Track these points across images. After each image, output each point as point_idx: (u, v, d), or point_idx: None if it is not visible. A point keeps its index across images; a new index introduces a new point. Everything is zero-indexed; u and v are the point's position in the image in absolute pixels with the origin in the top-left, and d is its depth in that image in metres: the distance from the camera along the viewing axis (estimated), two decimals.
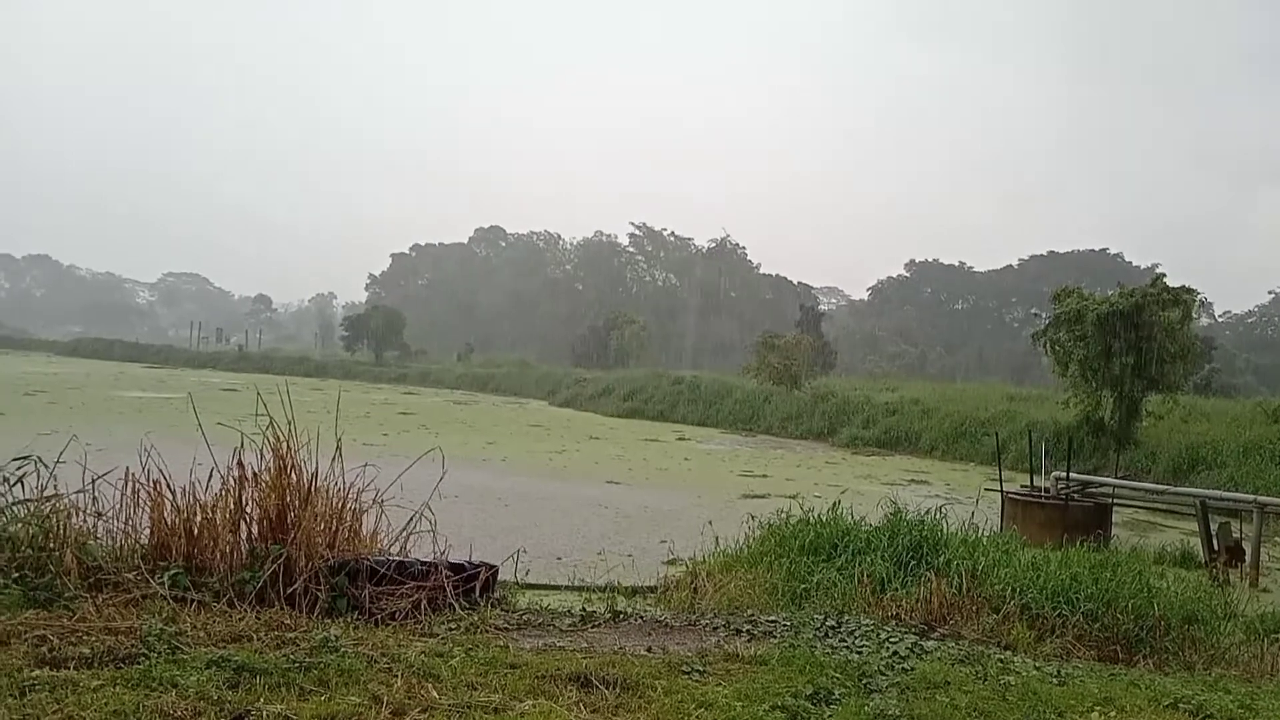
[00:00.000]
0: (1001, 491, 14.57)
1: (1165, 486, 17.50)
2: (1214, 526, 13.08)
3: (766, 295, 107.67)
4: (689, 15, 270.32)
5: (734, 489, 19.46)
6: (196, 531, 6.55)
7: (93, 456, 6.83)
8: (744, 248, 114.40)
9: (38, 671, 4.47)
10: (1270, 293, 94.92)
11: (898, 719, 4.97)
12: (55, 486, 6.62)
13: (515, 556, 8.35)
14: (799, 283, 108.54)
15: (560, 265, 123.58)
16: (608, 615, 7.30)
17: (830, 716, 4.95)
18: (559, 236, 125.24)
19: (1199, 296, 27.62)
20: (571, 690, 4.98)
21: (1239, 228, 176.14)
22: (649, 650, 6.20)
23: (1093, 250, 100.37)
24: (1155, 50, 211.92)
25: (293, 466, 6.82)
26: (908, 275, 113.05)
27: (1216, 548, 12.79)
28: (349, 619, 6.17)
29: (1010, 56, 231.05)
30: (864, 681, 5.63)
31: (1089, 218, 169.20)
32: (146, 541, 6.57)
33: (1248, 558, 12.64)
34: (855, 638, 6.84)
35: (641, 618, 7.39)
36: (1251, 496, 14.05)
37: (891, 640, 6.81)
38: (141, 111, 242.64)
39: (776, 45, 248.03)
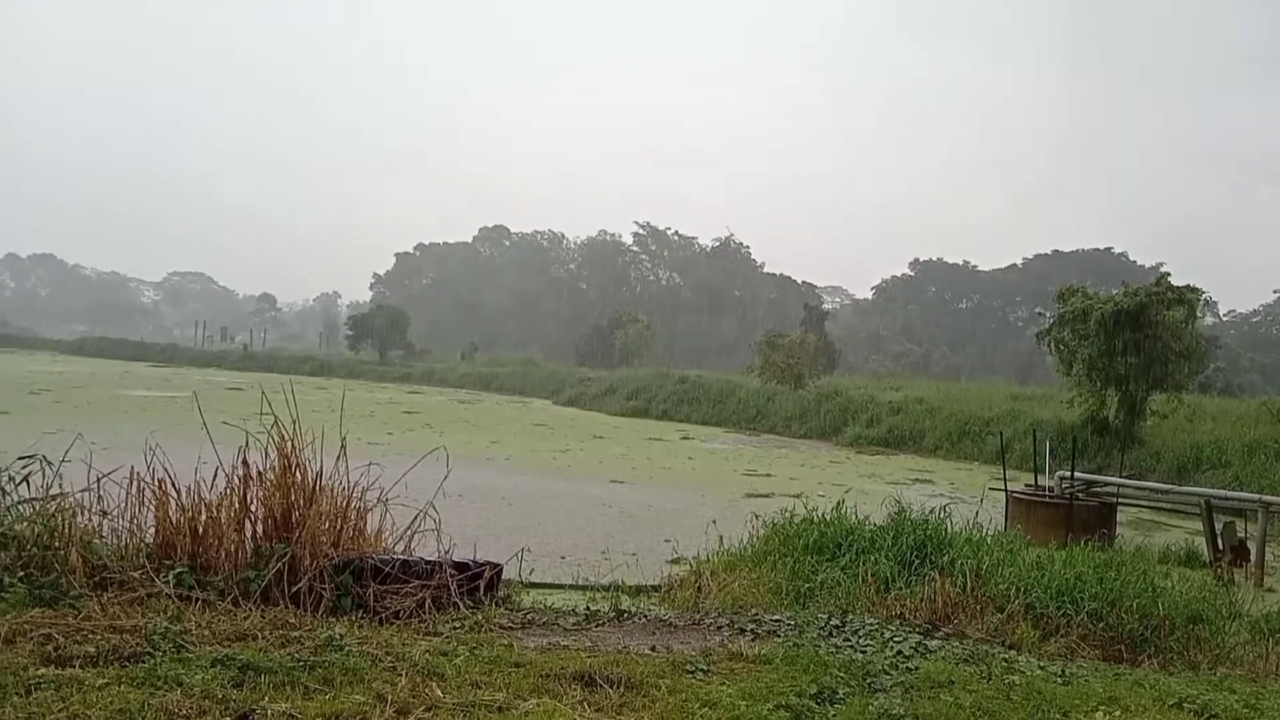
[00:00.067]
0: (1006, 491, 14.56)
1: (1170, 486, 17.45)
2: (1219, 526, 13.06)
3: (770, 294, 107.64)
4: (689, 15, 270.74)
5: (738, 488, 19.44)
6: (201, 530, 6.56)
7: (98, 455, 6.84)
8: (748, 247, 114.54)
9: (43, 670, 4.48)
10: (1275, 292, 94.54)
11: (902, 718, 4.97)
12: (60, 485, 6.64)
13: (519, 555, 8.36)
14: (803, 282, 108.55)
15: (564, 264, 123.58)
16: (612, 614, 7.31)
17: (834, 716, 4.94)
18: (563, 236, 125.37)
19: (1203, 295, 27.51)
20: (576, 689, 4.99)
21: (1244, 227, 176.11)
22: (653, 649, 6.20)
23: (1097, 249, 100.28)
24: (1157, 50, 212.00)
25: (297, 465, 6.84)
26: (912, 274, 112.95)
27: (1221, 547, 12.77)
28: (354, 618, 6.18)
29: (1011, 56, 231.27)
30: (868, 681, 5.63)
31: (1094, 217, 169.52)
32: (151, 540, 6.58)
33: (1252, 557, 12.62)
34: (859, 637, 6.83)
35: (645, 617, 7.40)
36: (1256, 496, 14.01)
37: (896, 639, 6.81)
38: (141, 111, 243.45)
39: (776, 45, 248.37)
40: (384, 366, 74.56)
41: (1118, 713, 5.38)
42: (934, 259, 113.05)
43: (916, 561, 8.51)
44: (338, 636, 5.39)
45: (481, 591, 7.13)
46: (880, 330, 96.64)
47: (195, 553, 6.47)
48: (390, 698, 4.53)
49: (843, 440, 34.62)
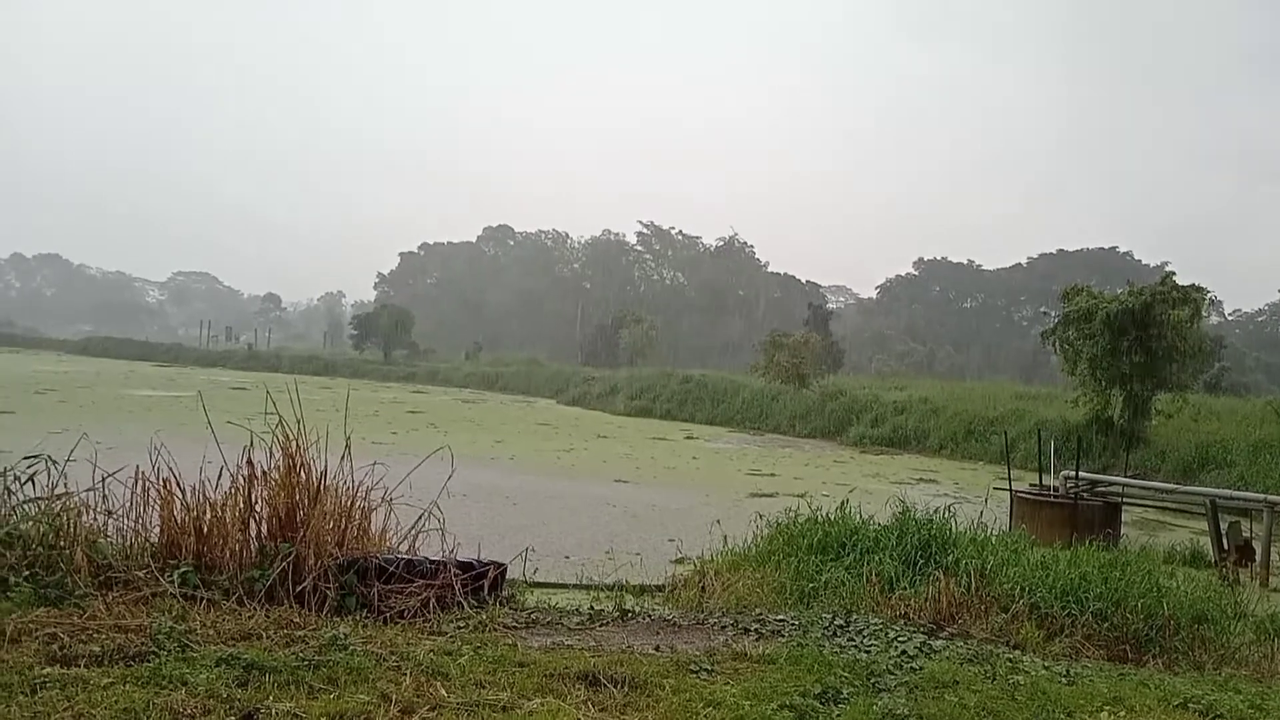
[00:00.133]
0: (1010, 490, 14.54)
1: (1175, 485, 17.41)
2: (1224, 526, 13.02)
3: (775, 294, 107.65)
4: (689, 15, 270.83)
5: (742, 488, 19.44)
6: (206, 530, 6.57)
7: (103, 455, 6.86)
8: (752, 246, 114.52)
9: (49, 669, 4.49)
10: None
11: (906, 718, 4.96)
12: (66, 485, 6.65)
13: (523, 555, 8.37)
14: (807, 281, 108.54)
15: (568, 264, 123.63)
16: (615, 614, 7.31)
17: (838, 715, 4.94)
18: (567, 235, 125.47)
19: (1208, 295, 27.48)
20: (579, 688, 4.99)
21: (1249, 226, 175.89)
22: (657, 649, 6.20)
23: (1102, 248, 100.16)
24: (1159, 49, 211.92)
25: (302, 465, 6.85)
26: (916, 273, 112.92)
27: (1226, 547, 12.74)
28: (358, 617, 6.19)
29: (1011, 56, 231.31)
30: (872, 680, 5.62)
31: (1098, 216, 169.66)
32: (156, 540, 6.59)
33: (1258, 557, 12.59)
34: (863, 637, 6.83)
35: (649, 616, 7.40)
36: (1262, 496, 13.98)
37: (900, 639, 6.80)
38: (141, 111, 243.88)
39: (776, 45, 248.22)
40: (388, 366, 74.65)
41: (1122, 713, 5.37)
42: (938, 258, 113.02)
43: (921, 561, 8.50)
44: (342, 636, 5.39)
45: (486, 591, 7.13)
46: (884, 330, 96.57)
47: (200, 552, 6.48)
48: (395, 697, 4.53)
49: (847, 440, 34.62)
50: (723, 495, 17.89)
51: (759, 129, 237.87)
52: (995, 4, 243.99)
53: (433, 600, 6.66)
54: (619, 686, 5.06)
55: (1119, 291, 27.47)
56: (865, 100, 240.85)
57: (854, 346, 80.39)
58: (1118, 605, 7.80)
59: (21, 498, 6.49)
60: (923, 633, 7.16)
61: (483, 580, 7.15)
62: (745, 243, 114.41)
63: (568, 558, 10.98)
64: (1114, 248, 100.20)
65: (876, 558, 8.53)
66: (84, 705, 4.07)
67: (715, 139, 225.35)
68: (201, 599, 5.99)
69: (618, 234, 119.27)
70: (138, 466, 6.80)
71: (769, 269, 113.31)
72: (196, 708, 4.16)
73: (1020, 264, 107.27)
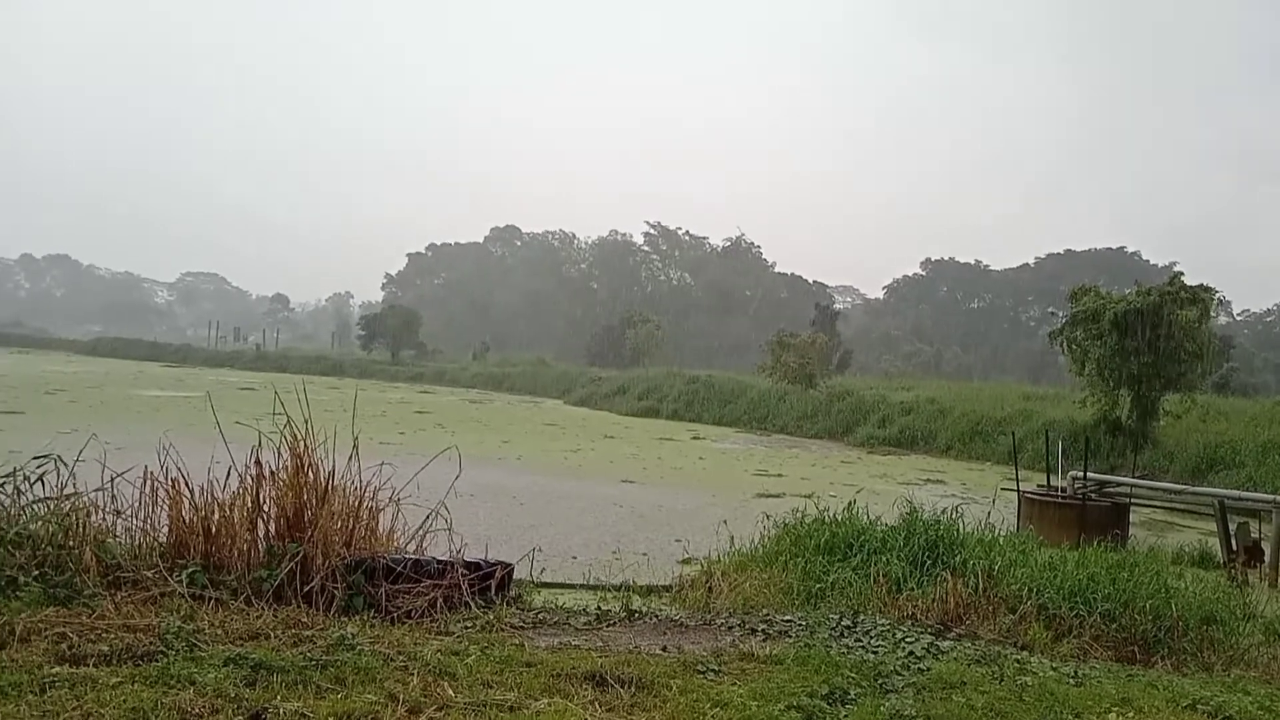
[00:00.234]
0: (1018, 491, 14.51)
1: (1183, 486, 17.36)
2: (1232, 526, 12.98)
3: (781, 294, 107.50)
4: (689, 15, 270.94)
5: (749, 488, 19.42)
6: (214, 530, 6.59)
7: (112, 455, 6.88)
8: (758, 246, 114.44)
9: (58, 668, 4.51)
10: None
11: (914, 719, 4.96)
12: (75, 485, 6.68)
13: (531, 555, 8.38)
14: (814, 281, 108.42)
15: (575, 264, 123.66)
16: (623, 614, 7.31)
17: (846, 716, 4.94)
18: (574, 236, 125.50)
19: (1217, 295, 27.40)
20: (587, 689, 4.99)
21: (1256, 226, 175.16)
22: (664, 649, 6.21)
23: (1110, 248, 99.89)
24: (1164, 49, 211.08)
25: (310, 465, 6.86)
26: (923, 274, 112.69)
27: (1235, 548, 12.70)
28: (365, 617, 6.20)
29: (1013, 55, 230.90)
30: (880, 681, 5.62)
31: (1105, 216, 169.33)
32: (165, 539, 6.62)
33: (1267, 558, 12.53)
34: (871, 637, 6.82)
35: (656, 617, 7.40)
36: (1270, 496, 13.91)
37: (907, 640, 6.80)
38: (141, 111, 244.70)
39: (776, 45, 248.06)
40: (396, 366, 74.72)
41: (1131, 714, 5.36)
42: (946, 258, 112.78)
43: (928, 562, 8.48)
44: (350, 636, 5.41)
45: (493, 591, 7.14)
46: (892, 330, 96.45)
47: (208, 552, 6.50)
48: (402, 697, 4.54)
49: (854, 440, 34.56)
50: (730, 496, 17.88)
51: (759, 129, 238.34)
52: (996, 3, 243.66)
53: (440, 600, 6.68)
54: (626, 687, 5.06)
55: (1127, 292, 27.42)
56: (865, 100, 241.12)
57: (861, 347, 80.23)
58: (1126, 606, 7.77)
59: (31, 497, 6.51)
60: (930, 634, 7.15)
61: (490, 580, 7.16)
62: (752, 243, 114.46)
63: (575, 558, 10.98)
64: (1121, 248, 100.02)
65: (884, 558, 8.52)
66: (92, 704, 4.08)
67: (715, 139, 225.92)
68: (209, 599, 6.01)
69: (624, 234, 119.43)
70: (146, 467, 6.82)
71: (776, 269, 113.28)
72: (204, 707, 4.18)
73: (1027, 264, 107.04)
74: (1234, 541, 12.76)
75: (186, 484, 6.74)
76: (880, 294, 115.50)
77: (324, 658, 4.99)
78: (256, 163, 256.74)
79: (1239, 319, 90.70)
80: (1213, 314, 28.07)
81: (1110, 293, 28.22)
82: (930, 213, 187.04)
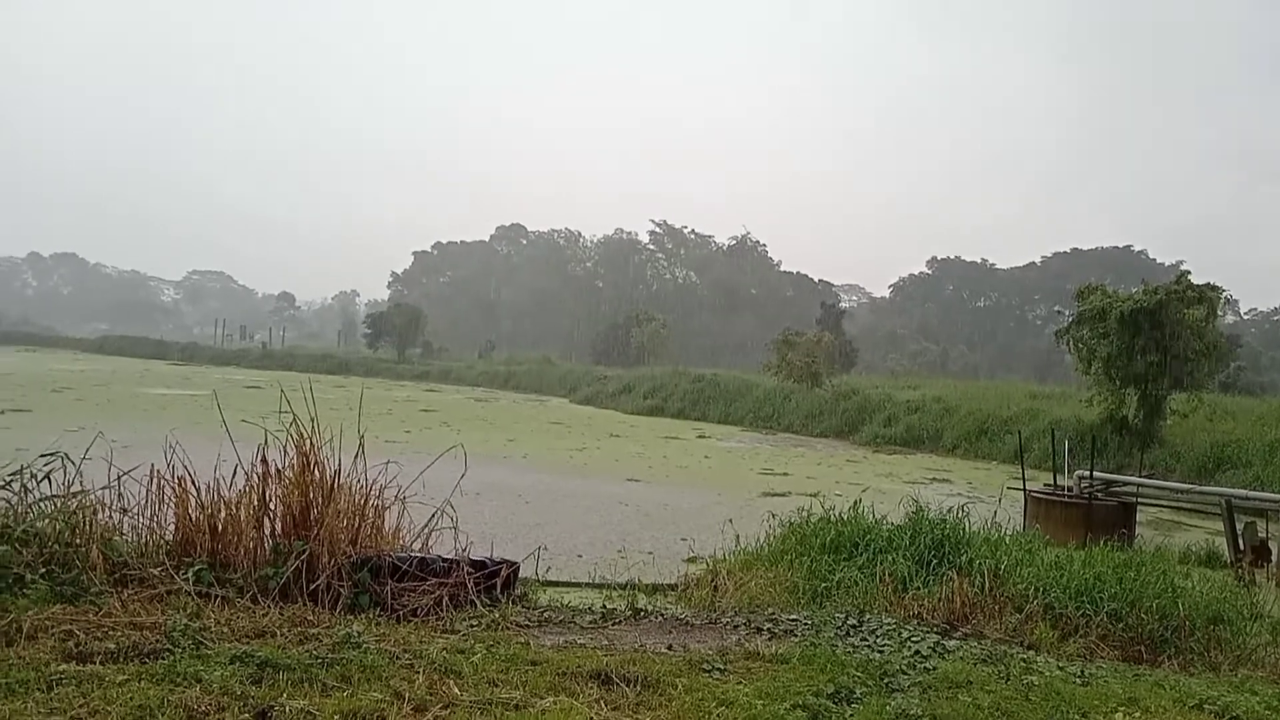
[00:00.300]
0: (1024, 490, 14.49)
1: (1190, 485, 17.31)
2: (1239, 526, 12.94)
3: (787, 292, 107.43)
4: (689, 15, 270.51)
5: (754, 487, 19.42)
6: (221, 528, 6.60)
7: (118, 453, 6.89)
8: (764, 245, 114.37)
9: (64, 666, 4.52)
10: None
11: (920, 718, 4.95)
12: (82, 483, 6.69)
13: (536, 553, 8.38)
14: (820, 280, 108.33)
15: (581, 263, 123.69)
16: (628, 613, 7.30)
17: (852, 715, 4.93)
18: (579, 234, 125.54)
19: (1224, 294, 27.31)
20: (592, 687, 4.99)
21: (1263, 225, 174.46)
22: (669, 648, 6.20)
23: (1116, 247, 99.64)
24: (1167, 47, 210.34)
25: (316, 463, 6.87)
26: (929, 272, 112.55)
27: (1242, 547, 12.66)
28: (371, 615, 6.21)
29: (1017, 53, 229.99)
30: (885, 680, 5.61)
31: (1109, 216, 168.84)
32: (171, 537, 6.62)
33: (1274, 557, 12.50)
34: (877, 637, 6.81)
35: (662, 615, 7.39)
36: (1277, 496, 13.90)
37: (913, 639, 6.78)
38: (141, 111, 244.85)
39: (776, 45, 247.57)
40: (402, 365, 74.83)
41: (1137, 714, 5.35)
42: (952, 257, 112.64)
43: (934, 561, 8.47)
44: (355, 634, 5.41)
45: (498, 589, 7.14)
46: (898, 329, 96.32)
47: (214, 550, 6.51)
48: (408, 695, 4.54)
49: (860, 439, 34.53)
50: (735, 494, 17.87)
51: (759, 129, 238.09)
52: (996, 3, 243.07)
53: (446, 598, 6.68)
54: (631, 685, 5.06)
55: (1134, 290, 27.34)
56: (865, 100, 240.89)
57: (867, 346, 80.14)
58: (1133, 606, 7.76)
59: (38, 495, 6.53)
60: (936, 633, 7.13)
61: (495, 579, 7.16)
62: (757, 241, 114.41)
63: (580, 556, 10.99)
64: (1128, 246, 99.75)
65: (890, 557, 8.50)
66: (99, 702, 4.09)
67: (715, 139, 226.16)
68: (216, 597, 6.02)
69: (630, 233, 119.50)
70: (153, 465, 6.83)
71: (781, 268, 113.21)
72: (211, 705, 4.18)
73: (1034, 263, 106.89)
74: (1241, 541, 12.73)
75: (193, 482, 6.75)
76: (886, 293, 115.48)
77: (330, 656, 5.00)
78: (256, 163, 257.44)
79: (1246, 318, 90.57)
80: (1219, 313, 27.98)
81: (1117, 292, 28.14)
82: (933, 212, 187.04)
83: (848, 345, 62.54)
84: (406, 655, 5.20)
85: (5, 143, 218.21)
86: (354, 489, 7.09)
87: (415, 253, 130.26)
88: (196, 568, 6.21)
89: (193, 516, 6.63)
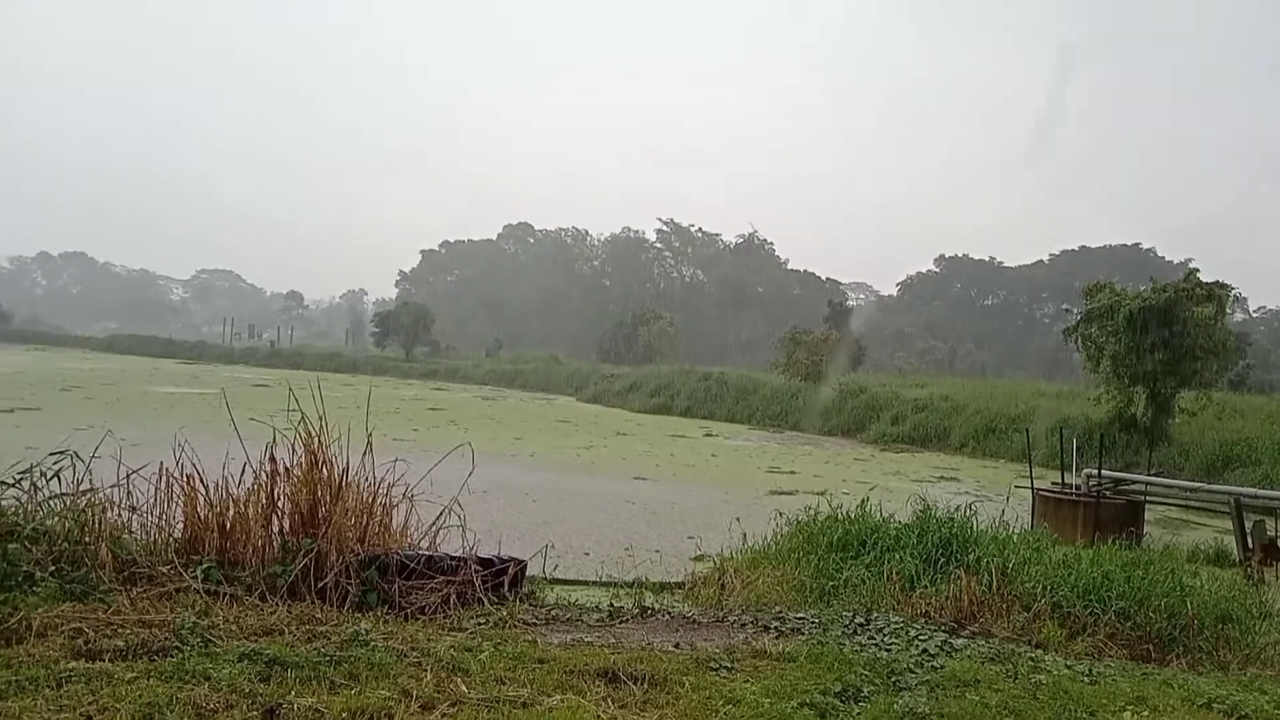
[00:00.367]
0: (1032, 489, 14.47)
1: (1199, 484, 17.27)
2: (1248, 524, 12.91)
3: (794, 291, 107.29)
4: (689, 15, 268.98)
5: (761, 485, 19.42)
6: (229, 525, 6.62)
7: (127, 451, 6.91)
8: (771, 243, 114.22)
9: (74, 663, 4.54)
10: None
11: (927, 717, 4.94)
12: (91, 481, 6.70)
13: (543, 551, 8.39)
14: (827, 278, 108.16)
15: (588, 261, 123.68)
16: (635, 611, 7.30)
17: (859, 714, 4.93)
18: (586, 233, 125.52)
19: (1233, 292, 27.27)
20: (599, 685, 4.99)
21: (1270, 223, 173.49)
22: (677, 646, 6.20)
23: (1124, 245, 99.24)
24: (1172, 45, 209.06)
25: (324, 461, 6.88)
26: (937, 270, 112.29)
27: (1251, 546, 12.62)
28: (379, 613, 6.21)
29: (1017, 52, 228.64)
30: (893, 679, 5.61)
31: (1118, 214, 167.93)
32: (180, 535, 6.64)
33: None
34: (884, 635, 6.80)
35: (669, 614, 7.40)
36: None
37: (920, 638, 6.78)
38: (141, 111, 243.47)
39: (776, 45, 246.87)
40: (409, 363, 74.91)
41: (1146, 713, 5.33)
42: (959, 255, 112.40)
43: (942, 560, 8.46)
44: (363, 632, 5.42)
45: (506, 587, 7.15)
46: (905, 327, 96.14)
47: (223, 548, 6.52)
48: (415, 693, 4.55)
49: (867, 438, 34.49)
50: (742, 493, 17.88)
51: (759, 129, 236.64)
52: (997, 3, 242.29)
53: (453, 596, 6.69)
54: (639, 683, 5.06)
55: (1142, 288, 27.29)
56: (865, 100, 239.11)
57: (874, 344, 79.96)
58: (1141, 604, 7.74)
59: (47, 493, 6.55)
60: (944, 631, 7.12)
61: (503, 577, 7.17)
62: (764, 240, 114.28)
63: (587, 554, 11.00)
64: (1136, 244, 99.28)
65: (897, 556, 8.50)
66: (108, 699, 4.10)
67: (716, 139, 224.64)
68: (224, 594, 6.03)
69: (637, 231, 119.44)
70: (161, 463, 6.86)
71: (788, 266, 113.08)
72: (219, 702, 4.19)
73: (1041, 261, 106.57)
74: (1250, 539, 12.69)
75: (201, 480, 6.77)
76: (894, 291, 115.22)
77: (338, 653, 5.00)
78: (256, 163, 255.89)
79: (1255, 316, 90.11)
80: (1229, 310, 27.94)
81: (1125, 289, 28.10)
82: (934, 212, 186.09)
83: (855, 343, 62.46)
84: (414, 653, 5.21)
85: (5, 142, 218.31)
86: (362, 487, 7.09)
87: (423, 251, 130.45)
88: (205, 565, 6.22)
89: (201, 515, 6.65)
